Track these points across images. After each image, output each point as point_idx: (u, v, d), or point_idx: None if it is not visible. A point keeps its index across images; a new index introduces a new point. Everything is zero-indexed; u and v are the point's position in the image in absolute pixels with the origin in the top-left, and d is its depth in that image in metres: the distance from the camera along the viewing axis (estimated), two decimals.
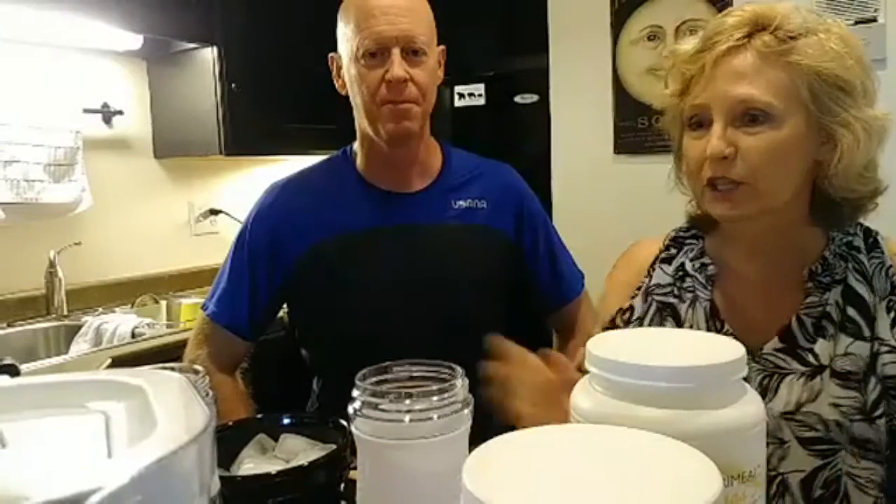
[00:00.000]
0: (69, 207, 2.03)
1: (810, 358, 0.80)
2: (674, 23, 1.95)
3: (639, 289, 0.91)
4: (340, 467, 0.79)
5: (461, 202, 1.20)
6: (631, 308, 0.91)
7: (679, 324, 0.87)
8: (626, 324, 0.91)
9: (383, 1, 1.10)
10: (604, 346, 0.62)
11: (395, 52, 1.09)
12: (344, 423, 0.84)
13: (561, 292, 1.27)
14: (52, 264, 1.97)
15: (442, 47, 1.18)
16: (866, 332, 0.80)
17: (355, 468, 1.15)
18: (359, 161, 1.22)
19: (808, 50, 0.76)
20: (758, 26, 0.78)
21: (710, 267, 0.88)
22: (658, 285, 0.90)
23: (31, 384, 0.49)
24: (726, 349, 0.61)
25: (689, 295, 0.88)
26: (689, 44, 0.83)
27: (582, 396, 0.62)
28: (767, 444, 0.81)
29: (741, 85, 0.76)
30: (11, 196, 1.89)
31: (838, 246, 0.83)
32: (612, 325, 0.92)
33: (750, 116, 0.76)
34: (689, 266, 0.89)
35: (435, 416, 0.50)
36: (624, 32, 2.03)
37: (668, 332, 0.72)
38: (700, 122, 0.81)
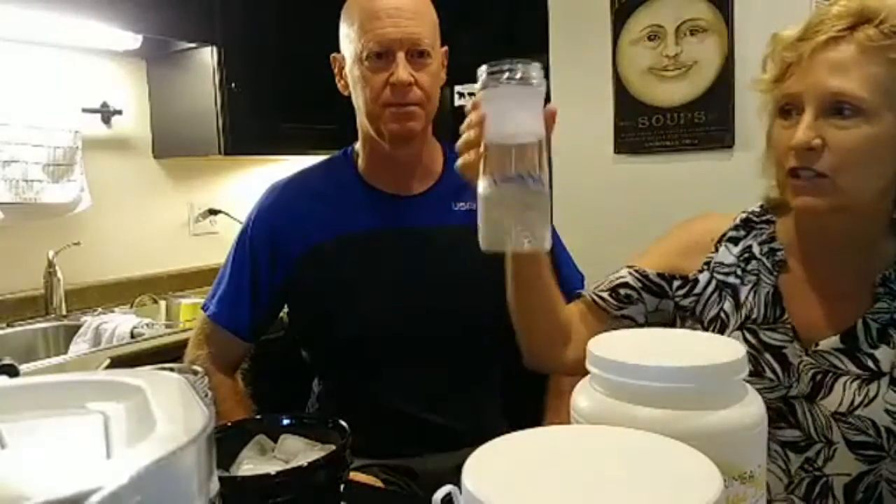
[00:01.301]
0: (68, 207, 2.02)
1: (869, 363, 0.80)
2: (674, 22, 1.95)
3: (706, 263, 0.91)
4: (340, 468, 0.79)
5: (461, 204, 1.20)
6: (696, 281, 0.91)
7: (738, 305, 0.88)
8: (686, 296, 0.91)
9: (388, 2, 1.09)
10: (604, 346, 0.62)
11: (400, 55, 1.08)
12: (344, 423, 0.84)
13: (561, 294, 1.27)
14: (50, 264, 1.97)
15: (445, 48, 1.18)
16: None
17: (355, 469, 1.15)
18: (360, 162, 1.22)
19: None
20: (862, 18, 0.76)
21: (780, 253, 0.87)
22: (721, 263, 0.90)
23: (30, 384, 0.49)
24: (727, 350, 0.61)
25: (752, 278, 0.88)
26: (791, 30, 0.81)
27: (582, 397, 0.62)
28: (813, 442, 0.81)
29: (837, 77, 0.75)
30: (10, 196, 1.88)
31: None
32: (648, 278, 0.93)
33: (840, 109, 0.75)
34: (756, 249, 0.89)
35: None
36: (624, 32, 2.02)
37: (669, 333, 0.72)
38: (790, 111, 0.80)
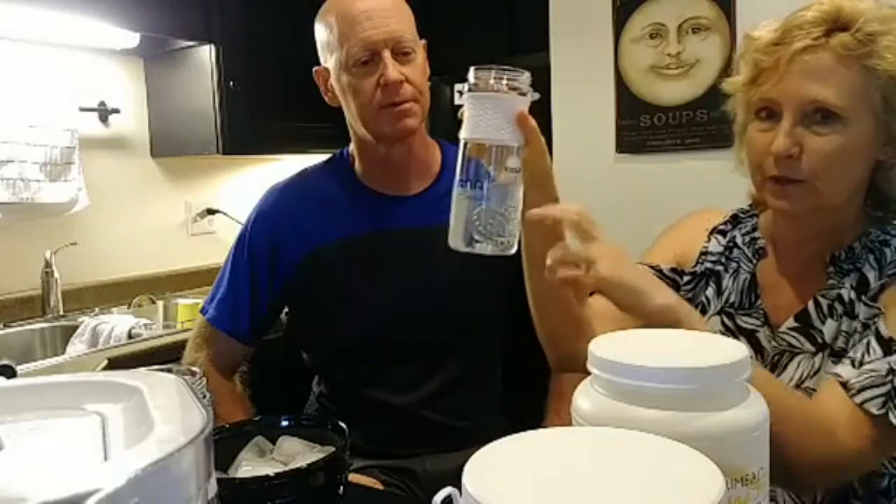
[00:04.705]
0: (65, 207, 2.02)
1: (818, 338, 0.83)
2: (676, 21, 1.95)
3: (703, 254, 0.95)
4: (340, 469, 0.78)
5: None
6: (697, 274, 0.95)
7: (719, 290, 0.92)
8: (690, 290, 0.94)
9: (365, 4, 1.08)
10: (605, 347, 0.62)
11: (386, 54, 1.07)
12: (343, 425, 0.83)
13: None
14: (48, 264, 1.96)
15: (424, 41, 1.17)
16: (858, 310, 0.82)
17: (355, 470, 1.14)
18: (356, 166, 1.22)
19: (886, 54, 0.76)
20: (838, 25, 0.77)
21: (760, 241, 0.91)
22: (710, 253, 0.95)
23: (27, 385, 0.49)
24: (729, 350, 0.60)
25: (734, 265, 0.92)
26: (765, 32, 0.83)
27: (583, 398, 0.62)
28: None
29: (815, 85, 0.77)
30: (7, 196, 1.87)
31: (871, 241, 0.85)
32: (663, 273, 0.95)
33: (819, 117, 0.77)
34: (739, 240, 0.94)
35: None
36: (626, 30, 2.02)
37: (671, 333, 0.71)
38: (768, 115, 0.81)
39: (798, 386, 0.83)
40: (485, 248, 0.74)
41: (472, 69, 0.74)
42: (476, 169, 0.72)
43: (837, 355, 0.81)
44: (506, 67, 0.73)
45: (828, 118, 0.77)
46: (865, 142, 0.78)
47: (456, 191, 0.73)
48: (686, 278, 0.95)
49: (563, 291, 0.90)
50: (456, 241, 0.74)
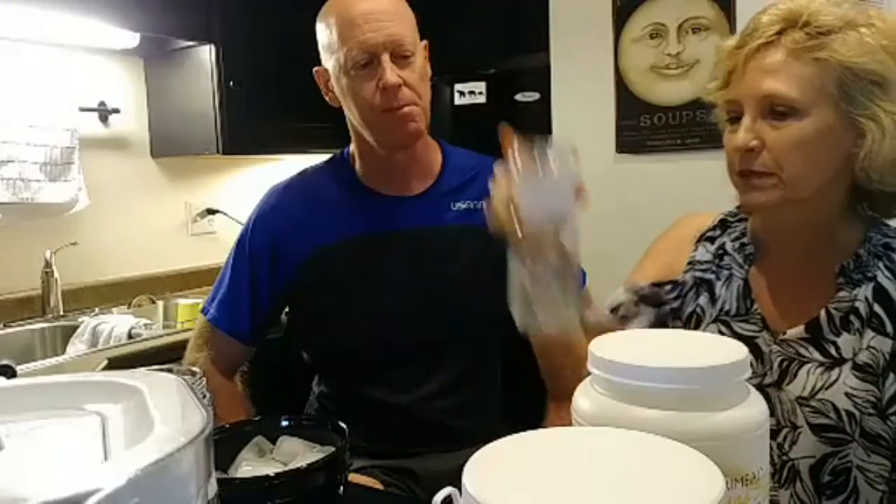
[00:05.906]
0: (65, 207, 2.01)
1: (832, 350, 0.83)
2: (676, 21, 1.95)
3: (690, 263, 0.95)
4: (340, 470, 0.78)
5: (460, 204, 1.20)
6: (683, 283, 0.95)
7: (713, 299, 0.92)
8: (676, 298, 0.95)
9: (364, 7, 1.08)
10: (605, 347, 0.62)
11: (385, 57, 1.07)
12: (343, 425, 0.83)
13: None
14: (48, 264, 1.96)
15: (425, 42, 1.17)
16: (889, 329, 0.82)
17: (355, 471, 1.14)
18: (357, 167, 1.22)
19: (838, 45, 0.77)
20: (789, 23, 0.80)
21: (749, 247, 0.92)
22: (699, 261, 0.95)
23: (27, 385, 0.49)
24: (729, 350, 0.60)
25: (726, 272, 0.92)
26: (732, 40, 0.86)
27: (583, 398, 0.62)
28: (781, 427, 0.84)
29: (768, 81, 0.80)
30: (7, 196, 1.87)
31: (875, 245, 0.85)
32: (641, 290, 0.96)
33: (775, 110, 0.80)
34: (729, 246, 0.94)
35: None
36: (626, 30, 2.02)
37: (670, 334, 0.71)
38: (735, 117, 0.84)
39: (811, 396, 0.82)
40: (554, 329, 0.75)
41: (525, 145, 0.74)
42: (551, 254, 0.73)
43: (862, 370, 0.81)
44: (543, 140, 0.74)
45: (784, 111, 0.79)
46: (827, 132, 0.79)
47: (527, 276, 0.74)
48: (667, 287, 0.94)
49: (577, 361, 0.91)
50: (528, 326, 0.76)
